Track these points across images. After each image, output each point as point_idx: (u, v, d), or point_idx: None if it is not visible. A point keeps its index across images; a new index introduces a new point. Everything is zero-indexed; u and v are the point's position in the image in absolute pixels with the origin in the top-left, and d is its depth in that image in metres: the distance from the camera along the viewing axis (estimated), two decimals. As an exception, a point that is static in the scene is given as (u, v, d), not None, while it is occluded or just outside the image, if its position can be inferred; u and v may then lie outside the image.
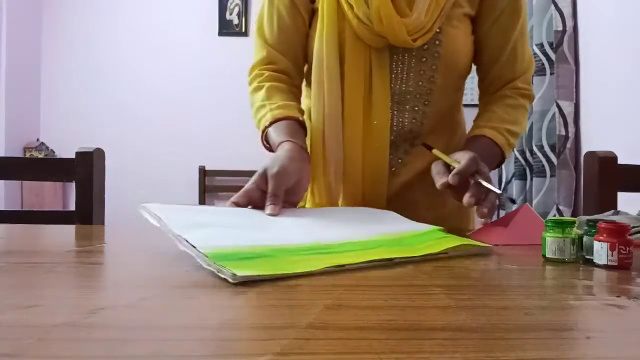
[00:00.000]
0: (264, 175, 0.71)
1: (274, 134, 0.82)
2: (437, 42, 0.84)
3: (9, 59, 3.16)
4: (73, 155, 1.01)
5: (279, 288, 0.42)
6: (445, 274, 0.49)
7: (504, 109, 0.89)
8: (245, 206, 0.69)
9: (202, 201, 3.29)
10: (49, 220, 0.99)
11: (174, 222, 0.53)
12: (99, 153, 1.02)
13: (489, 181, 0.72)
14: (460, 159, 0.73)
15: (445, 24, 0.84)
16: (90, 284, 0.45)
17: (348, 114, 0.84)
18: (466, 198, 0.70)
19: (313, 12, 0.90)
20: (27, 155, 3.24)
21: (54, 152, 3.35)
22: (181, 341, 0.29)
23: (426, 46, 0.84)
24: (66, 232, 0.80)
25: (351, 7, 0.81)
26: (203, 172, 3.31)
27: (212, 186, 3.32)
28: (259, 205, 0.69)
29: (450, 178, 0.70)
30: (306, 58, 0.93)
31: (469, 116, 0.99)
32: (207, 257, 0.45)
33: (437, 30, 0.83)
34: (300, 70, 0.93)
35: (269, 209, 0.67)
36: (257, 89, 0.89)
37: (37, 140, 3.37)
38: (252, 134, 0.88)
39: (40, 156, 3.19)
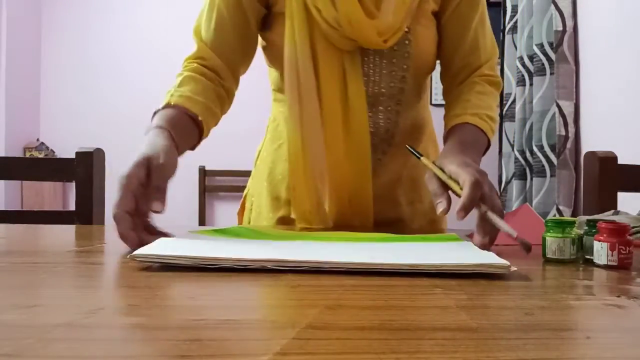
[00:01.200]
0: (146, 165, 0.62)
1: (158, 118, 0.74)
2: (406, 42, 0.83)
3: (8, 59, 3.16)
4: (73, 155, 1.01)
5: (279, 288, 0.42)
6: (445, 274, 0.49)
7: (476, 96, 0.87)
8: (133, 209, 0.59)
9: (202, 201, 3.29)
10: (49, 220, 0.99)
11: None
12: (99, 153, 1.02)
13: (498, 207, 0.62)
14: (459, 175, 0.64)
15: (414, 22, 0.83)
16: (90, 284, 0.45)
17: (327, 119, 0.83)
18: (478, 239, 0.61)
19: (270, 17, 0.87)
20: (27, 155, 3.24)
21: (54, 152, 3.35)
22: (181, 341, 0.29)
23: (396, 47, 0.83)
24: (66, 232, 0.80)
25: (319, 11, 0.80)
26: (203, 172, 3.31)
27: (212, 186, 3.32)
28: (140, 202, 0.60)
29: (457, 215, 0.60)
30: (250, 60, 0.90)
31: (435, 115, 1.00)
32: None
33: (407, 30, 0.83)
34: (234, 73, 0.88)
35: (156, 205, 0.60)
36: (178, 76, 0.83)
37: (37, 140, 3.37)
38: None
39: (40, 156, 3.19)
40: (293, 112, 0.84)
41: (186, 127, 0.77)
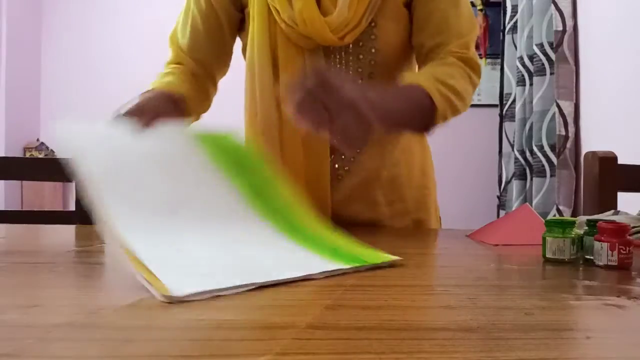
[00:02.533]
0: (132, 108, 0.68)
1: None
2: (372, 37, 0.82)
3: (8, 59, 3.16)
4: (73, 155, 1.01)
5: (279, 288, 0.42)
6: (445, 274, 0.49)
7: (431, 65, 0.80)
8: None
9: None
10: (49, 220, 0.99)
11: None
12: (99, 153, 1.02)
13: (345, 100, 0.56)
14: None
15: (380, 16, 0.82)
16: (90, 284, 0.45)
17: (286, 119, 0.82)
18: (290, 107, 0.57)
19: (245, 19, 0.88)
20: (27, 155, 3.24)
21: (54, 152, 3.35)
22: (181, 341, 0.29)
23: (361, 43, 0.82)
24: (66, 232, 0.80)
25: (278, 11, 0.80)
26: (203, 172, 3.31)
27: (212, 186, 3.32)
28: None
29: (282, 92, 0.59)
30: (226, 64, 0.93)
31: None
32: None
33: (373, 24, 0.81)
34: (211, 77, 0.91)
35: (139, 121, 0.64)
36: (158, 76, 0.87)
37: (37, 140, 3.37)
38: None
39: (40, 156, 3.19)
40: (250, 111, 0.85)
41: (166, 105, 0.77)
